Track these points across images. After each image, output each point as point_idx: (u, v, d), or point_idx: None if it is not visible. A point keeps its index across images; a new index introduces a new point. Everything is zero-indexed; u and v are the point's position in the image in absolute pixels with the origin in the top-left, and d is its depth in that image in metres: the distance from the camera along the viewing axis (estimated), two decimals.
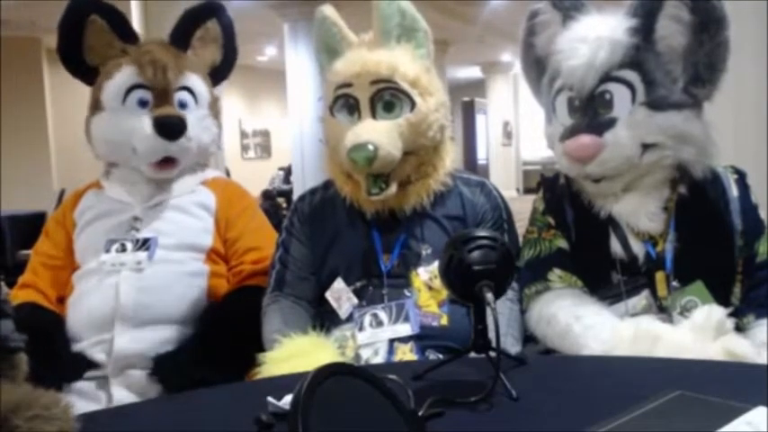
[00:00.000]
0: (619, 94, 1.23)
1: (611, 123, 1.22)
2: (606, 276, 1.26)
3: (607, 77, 1.23)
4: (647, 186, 1.26)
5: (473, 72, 14.75)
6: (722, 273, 1.23)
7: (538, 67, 1.39)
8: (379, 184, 1.27)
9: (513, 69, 14.72)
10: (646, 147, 1.23)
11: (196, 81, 1.59)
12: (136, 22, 4.78)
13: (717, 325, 1.11)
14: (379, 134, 1.24)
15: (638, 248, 1.25)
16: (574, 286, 1.28)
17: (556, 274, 1.29)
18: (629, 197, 1.26)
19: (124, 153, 1.54)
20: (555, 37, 1.31)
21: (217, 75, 1.68)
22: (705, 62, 1.20)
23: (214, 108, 1.64)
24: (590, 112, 1.25)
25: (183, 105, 1.56)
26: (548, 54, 1.34)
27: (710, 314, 1.12)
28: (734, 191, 1.28)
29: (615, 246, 1.26)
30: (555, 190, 1.38)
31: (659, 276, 1.23)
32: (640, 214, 1.25)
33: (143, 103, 1.53)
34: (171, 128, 1.50)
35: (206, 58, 1.64)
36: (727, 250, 1.24)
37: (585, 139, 1.22)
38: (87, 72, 1.59)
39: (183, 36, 1.62)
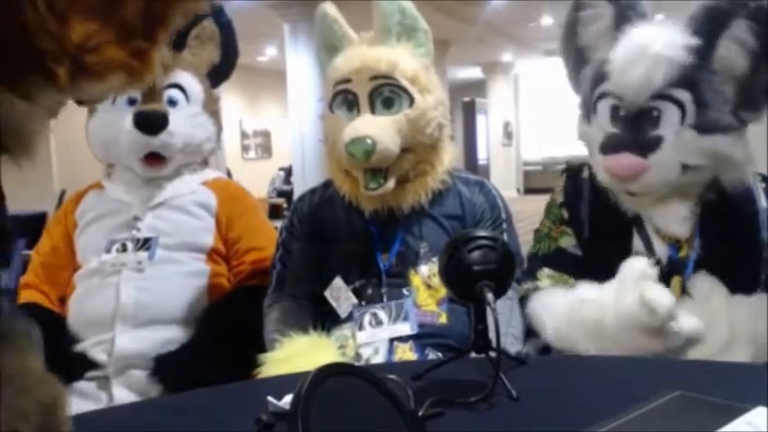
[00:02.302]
0: (668, 112, 1.19)
1: (657, 143, 1.19)
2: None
3: (659, 95, 1.19)
4: (679, 192, 1.24)
5: (473, 72, 14.75)
6: (744, 286, 1.19)
7: (579, 56, 1.35)
8: (378, 179, 1.28)
9: (514, 69, 14.72)
10: (686, 167, 1.20)
11: (188, 79, 1.58)
12: None
13: (639, 276, 1.10)
14: (378, 128, 1.24)
15: (661, 251, 1.23)
16: (564, 284, 1.27)
17: (545, 273, 1.30)
18: (661, 200, 1.24)
19: (116, 152, 1.55)
20: (605, 32, 1.28)
21: (217, 74, 1.67)
22: (760, 88, 1.17)
23: (211, 107, 1.63)
24: (635, 127, 1.22)
25: (172, 102, 1.55)
26: (594, 47, 1.31)
27: (632, 266, 1.12)
28: (763, 201, 1.24)
29: (638, 245, 1.24)
30: (577, 181, 1.35)
31: (675, 281, 1.21)
32: (671, 217, 1.23)
33: (132, 102, 1.54)
34: (150, 122, 1.49)
35: (203, 57, 1.63)
36: (751, 263, 1.22)
37: (629, 160, 1.20)
38: None
39: (177, 35, 1.60)
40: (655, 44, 1.19)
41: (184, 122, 1.55)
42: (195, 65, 1.62)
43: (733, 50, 1.17)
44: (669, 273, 1.21)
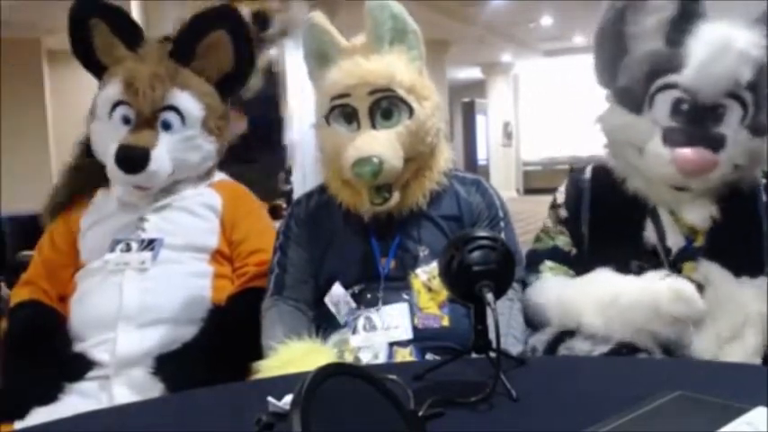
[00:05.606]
0: (732, 111, 1.20)
1: (723, 141, 1.19)
2: (624, 266, 1.25)
3: (732, 93, 1.20)
4: (710, 189, 1.26)
5: (473, 72, 14.75)
6: (747, 273, 1.21)
7: (620, 44, 1.31)
8: (383, 194, 1.27)
9: (514, 70, 14.73)
10: (736, 167, 1.22)
11: (185, 99, 1.51)
12: None
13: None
14: (382, 146, 1.23)
15: (674, 241, 1.25)
16: (564, 274, 1.33)
17: (547, 265, 1.36)
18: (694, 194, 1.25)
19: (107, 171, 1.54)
20: (662, 25, 1.25)
21: (229, 84, 1.60)
22: None
23: (213, 123, 1.56)
24: (698, 122, 1.21)
25: (166, 126, 1.51)
26: (643, 38, 1.27)
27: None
28: (763, 196, 1.27)
29: (649, 236, 1.26)
30: (579, 181, 1.39)
31: (688, 266, 1.23)
32: (698, 210, 1.24)
33: (126, 120, 1.52)
34: (129, 162, 1.46)
35: (212, 66, 1.56)
36: (755, 252, 1.24)
37: (703, 155, 1.19)
38: (102, 69, 1.58)
39: (184, 46, 1.55)
40: (738, 42, 1.17)
41: (174, 148, 1.51)
42: (195, 81, 1.54)
43: None
44: (677, 262, 1.24)
